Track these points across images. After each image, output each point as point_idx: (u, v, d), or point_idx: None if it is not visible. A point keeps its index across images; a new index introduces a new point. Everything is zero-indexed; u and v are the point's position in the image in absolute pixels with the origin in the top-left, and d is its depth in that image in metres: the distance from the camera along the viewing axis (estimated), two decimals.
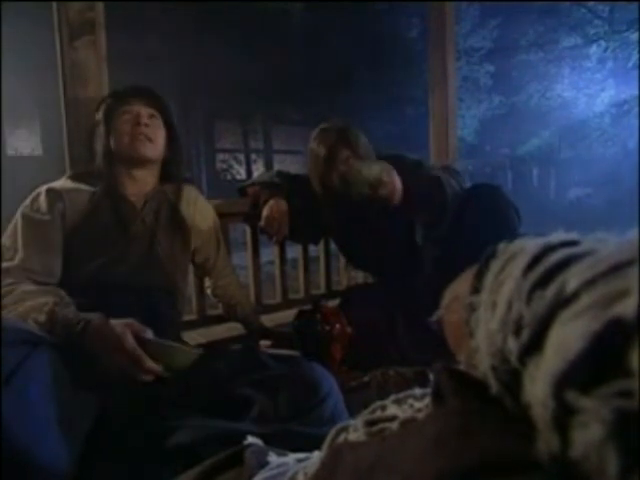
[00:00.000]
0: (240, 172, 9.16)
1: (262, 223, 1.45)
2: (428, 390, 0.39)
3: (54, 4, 1.32)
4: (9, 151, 6.51)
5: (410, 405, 0.35)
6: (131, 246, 1.04)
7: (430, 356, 1.31)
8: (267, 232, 1.48)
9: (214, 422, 0.74)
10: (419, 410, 0.31)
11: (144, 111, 1.09)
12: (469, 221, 1.49)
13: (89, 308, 0.86)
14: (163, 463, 0.67)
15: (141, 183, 1.11)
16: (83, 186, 1.06)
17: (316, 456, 0.49)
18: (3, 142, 6.27)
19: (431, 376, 0.98)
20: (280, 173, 1.62)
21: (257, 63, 6.85)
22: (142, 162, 1.09)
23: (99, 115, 1.12)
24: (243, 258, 1.87)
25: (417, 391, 0.37)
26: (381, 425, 0.30)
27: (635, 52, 7.98)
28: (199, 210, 1.24)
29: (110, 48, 1.42)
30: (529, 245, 0.23)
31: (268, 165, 9.65)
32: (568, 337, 0.16)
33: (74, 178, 1.10)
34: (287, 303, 1.90)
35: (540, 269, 0.20)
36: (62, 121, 1.37)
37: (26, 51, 5.02)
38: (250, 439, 0.51)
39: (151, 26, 5.61)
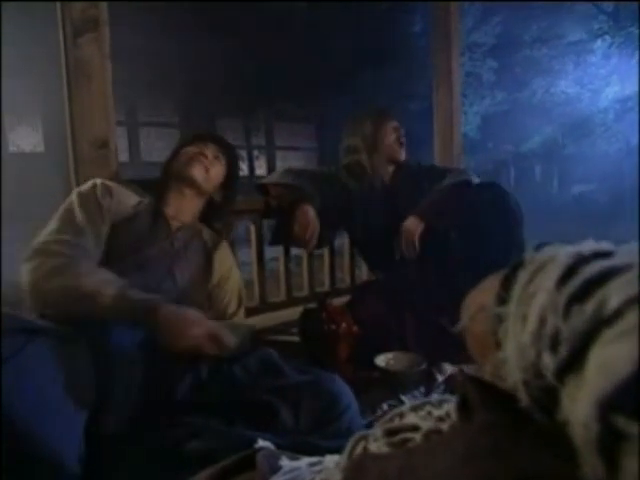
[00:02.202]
0: (242, 168, 9.14)
1: (296, 232, 1.41)
2: (446, 397, 0.38)
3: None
4: (10, 148, 6.50)
5: (428, 413, 0.34)
6: (153, 261, 1.07)
7: (437, 355, 1.32)
8: (299, 241, 1.44)
9: (233, 430, 0.73)
10: (440, 419, 0.31)
11: (211, 149, 1.20)
12: (474, 219, 1.50)
13: None
14: (180, 469, 0.67)
15: (181, 209, 1.18)
16: (131, 192, 1.13)
17: (328, 461, 0.49)
18: (4, 139, 6.27)
19: (438, 376, 0.97)
20: (301, 172, 1.61)
21: (259, 60, 6.82)
22: (191, 184, 1.16)
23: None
24: (246, 255, 1.86)
25: (434, 397, 0.37)
26: (402, 435, 0.29)
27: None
28: (226, 270, 1.27)
29: (112, 45, 1.41)
30: (560, 255, 0.23)
31: (270, 162, 9.62)
32: (613, 358, 0.16)
33: (125, 184, 1.16)
34: (291, 301, 1.90)
35: (576, 282, 0.19)
36: (65, 118, 1.36)
37: (29, 48, 5.01)
38: (261, 442, 0.51)
39: (153, 23, 5.59)
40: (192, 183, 1.17)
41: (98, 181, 1.11)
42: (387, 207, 1.66)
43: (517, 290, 0.23)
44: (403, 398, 1.14)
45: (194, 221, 1.23)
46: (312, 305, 1.39)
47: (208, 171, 1.18)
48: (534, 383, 0.20)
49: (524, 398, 0.21)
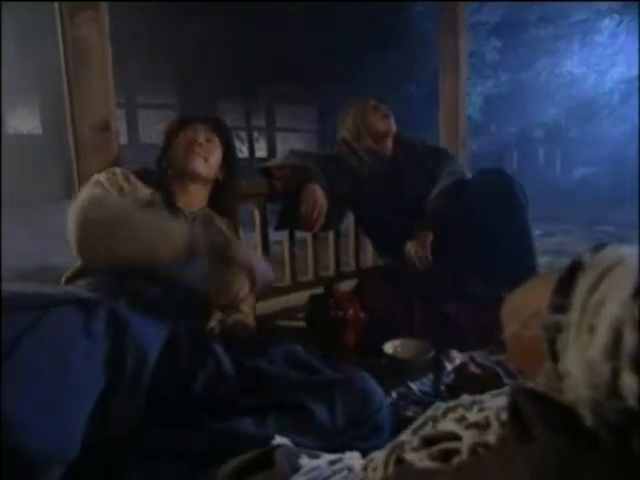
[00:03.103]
0: (242, 150, 9.05)
1: (303, 211, 1.39)
2: (477, 398, 0.37)
3: None
4: (9, 130, 6.42)
5: (462, 417, 0.33)
6: None
7: (444, 342, 1.31)
8: (306, 222, 1.41)
9: (264, 431, 0.69)
10: (479, 426, 0.29)
11: (201, 133, 1.19)
12: (479, 205, 1.49)
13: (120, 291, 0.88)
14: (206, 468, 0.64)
15: (191, 199, 1.18)
16: (142, 184, 1.13)
17: (348, 458, 0.47)
18: (3, 121, 6.18)
19: (447, 364, 0.95)
20: (305, 154, 1.59)
21: (260, 41, 6.67)
22: (194, 177, 1.16)
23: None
24: (250, 239, 1.84)
25: (465, 399, 0.35)
26: (443, 445, 0.28)
27: None
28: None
29: (111, 26, 1.36)
30: (627, 259, 0.20)
31: (271, 144, 9.53)
32: None
33: (140, 175, 1.17)
34: (296, 285, 1.89)
35: None
36: (64, 101, 1.32)
37: (25, 29, 4.89)
38: (278, 439, 0.49)
39: (152, 4, 5.44)
40: (195, 177, 1.17)
41: (117, 169, 1.12)
42: (393, 185, 1.65)
43: (579, 297, 0.21)
44: (411, 385, 1.14)
45: (205, 208, 1.23)
46: (319, 291, 1.38)
47: (207, 159, 1.18)
48: (607, 404, 0.18)
49: (590, 417, 0.19)
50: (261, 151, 9.49)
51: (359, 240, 2.04)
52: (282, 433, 0.70)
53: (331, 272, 2.01)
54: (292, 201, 1.48)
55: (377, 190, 1.65)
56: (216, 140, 1.22)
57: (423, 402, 1.06)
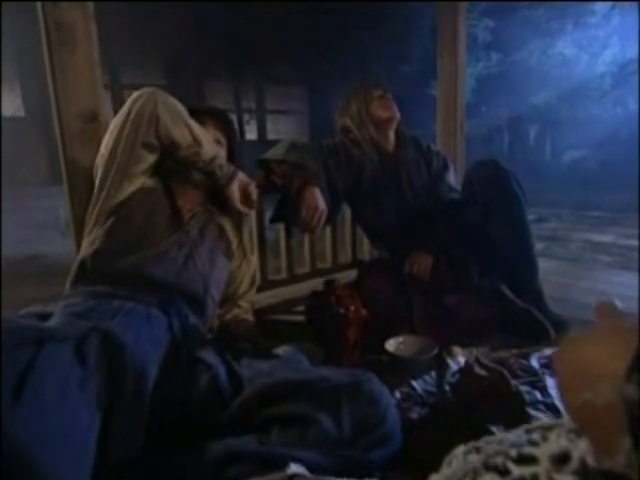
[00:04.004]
0: None
1: (303, 216, 1.34)
2: (522, 448, 0.34)
3: None
4: None
5: (506, 470, 0.30)
6: (172, 250, 1.06)
7: (446, 337, 1.30)
8: (306, 227, 1.37)
9: (269, 449, 0.66)
10: None
11: (212, 133, 1.18)
12: (476, 198, 1.47)
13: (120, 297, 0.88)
14: None
15: (191, 196, 1.16)
16: (151, 177, 1.12)
17: None
18: None
19: (450, 362, 0.92)
20: (305, 147, 1.54)
21: (250, 20, 6.47)
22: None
23: None
24: (245, 231, 1.80)
25: (511, 452, 0.32)
26: None
27: None
28: (245, 239, 1.31)
29: (95, 7, 1.28)
30: None
31: (261, 126, 9.36)
32: None
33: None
34: (293, 278, 1.86)
35: None
36: (46, 83, 1.24)
37: (6, 12, 4.67)
38: (294, 467, 0.46)
39: None
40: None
41: None
42: (393, 181, 1.61)
43: None
44: (415, 385, 1.12)
45: (205, 205, 1.20)
46: (319, 287, 1.34)
47: None
48: None
49: None
50: (251, 133, 9.32)
51: (356, 231, 2.01)
52: (287, 449, 0.67)
53: (328, 263, 1.98)
54: (290, 197, 1.43)
55: (377, 185, 1.61)
56: (223, 139, 1.21)
57: (427, 403, 1.04)
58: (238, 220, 1.31)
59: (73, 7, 1.20)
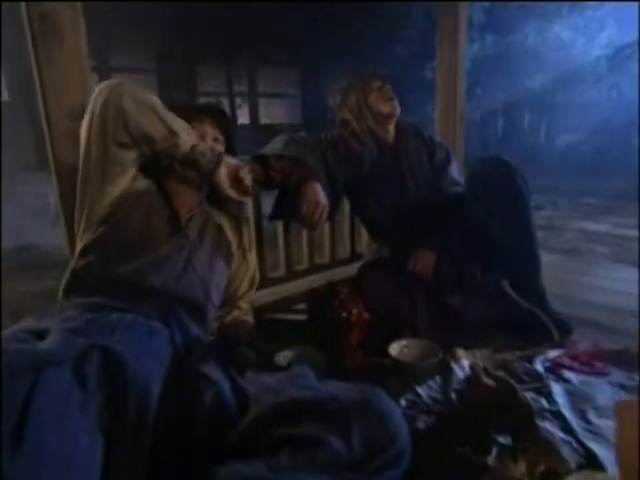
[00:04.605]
0: None
1: (304, 212, 1.29)
2: None
3: None
4: None
5: None
6: (171, 255, 1.02)
7: (449, 339, 1.28)
8: (308, 223, 1.32)
9: (280, 475, 0.63)
10: None
11: (210, 132, 1.13)
12: (480, 196, 1.45)
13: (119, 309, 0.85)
14: None
15: (188, 197, 1.11)
16: (144, 179, 1.07)
17: None
18: None
19: (455, 366, 0.90)
20: (304, 141, 1.49)
21: (242, 1, 6.27)
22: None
23: None
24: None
25: None
26: None
27: None
28: (244, 240, 1.26)
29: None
30: None
31: (253, 110, 9.19)
32: None
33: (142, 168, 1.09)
34: (292, 274, 1.83)
35: None
36: (34, 85, 1.17)
37: None
38: None
39: None
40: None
41: None
42: (394, 173, 1.58)
43: None
44: (420, 391, 1.10)
45: (203, 206, 1.16)
46: (320, 287, 1.32)
47: None
48: None
49: None
50: (243, 117, 9.16)
51: (355, 224, 1.98)
52: (298, 474, 0.65)
53: (327, 259, 1.95)
54: (289, 193, 1.39)
55: (377, 178, 1.57)
56: (221, 137, 1.16)
57: (433, 411, 1.03)
58: (237, 219, 1.27)
59: None
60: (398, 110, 1.53)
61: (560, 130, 10.77)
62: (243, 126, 8.92)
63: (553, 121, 10.96)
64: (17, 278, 2.67)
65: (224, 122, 1.19)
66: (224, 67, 8.31)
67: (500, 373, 1.14)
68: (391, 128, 1.55)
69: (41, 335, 0.75)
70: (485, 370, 1.05)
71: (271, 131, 8.99)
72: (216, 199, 1.19)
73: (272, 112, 9.57)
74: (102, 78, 6.85)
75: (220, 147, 1.15)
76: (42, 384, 0.59)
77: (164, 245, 1.02)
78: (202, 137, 1.10)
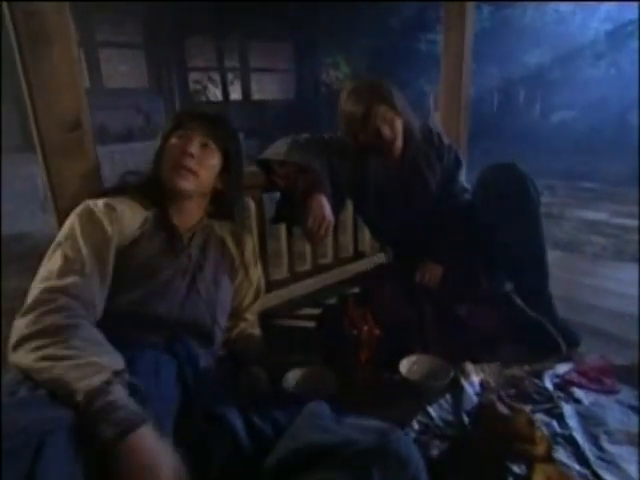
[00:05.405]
0: (216, 94, 8.46)
1: (309, 226, 1.24)
2: None
3: None
4: None
5: None
6: (174, 280, 0.98)
7: (458, 353, 1.27)
8: (312, 238, 1.27)
9: None
10: None
11: (196, 139, 1.02)
12: (490, 202, 1.41)
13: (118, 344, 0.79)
14: None
15: (187, 215, 1.06)
16: (138, 207, 1.00)
17: None
18: None
19: (465, 384, 0.87)
20: (308, 144, 1.42)
21: None
22: (182, 195, 1.03)
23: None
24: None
25: None
26: None
27: None
28: (248, 254, 1.20)
29: None
30: None
31: (245, 86, 8.94)
32: None
33: (131, 194, 1.02)
34: (295, 276, 1.79)
35: None
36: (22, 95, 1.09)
37: None
38: None
39: None
40: (183, 195, 1.03)
41: (100, 203, 0.95)
42: (400, 177, 1.53)
43: None
44: (431, 412, 1.09)
45: (203, 220, 1.10)
46: (332, 303, 1.29)
47: (197, 173, 1.01)
48: None
49: None
50: (235, 93, 8.91)
51: (357, 223, 1.94)
52: None
53: (329, 259, 1.92)
54: (292, 198, 1.34)
55: (382, 183, 1.52)
56: (213, 145, 1.05)
57: (446, 435, 1.02)
58: (239, 231, 1.22)
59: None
60: (399, 138, 1.45)
61: (556, 106, 10.65)
62: (235, 102, 8.69)
63: (549, 97, 10.83)
64: (9, 273, 2.61)
65: (220, 132, 1.07)
66: (215, 41, 8.01)
67: (512, 391, 1.14)
68: (398, 142, 1.47)
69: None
70: (500, 398, 1.04)
71: (264, 107, 8.79)
72: (215, 208, 1.14)
73: (265, 88, 9.32)
74: (88, 54, 6.57)
75: (213, 157, 1.05)
76: (47, 456, 0.56)
77: (166, 269, 0.97)
78: (186, 154, 1.00)
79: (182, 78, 7.81)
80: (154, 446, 0.64)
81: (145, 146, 6.48)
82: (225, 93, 8.57)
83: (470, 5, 2.08)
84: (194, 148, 1.01)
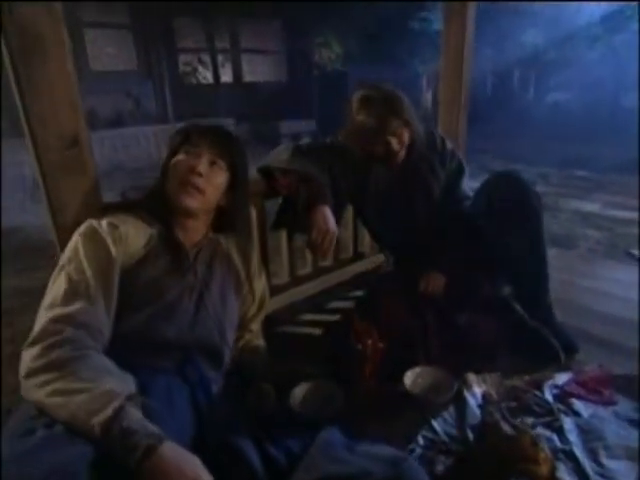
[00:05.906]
0: (207, 77, 8.26)
1: (313, 239, 1.22)
2: None
3: None
4: None
5: None
6: (181, 300, 0.97)
7: (460, 364, 1.29)
8: (317, 251, 1.25)
9: None
10: None
11: (205, 157, 1.01)
12: (492, 212, 1.41)
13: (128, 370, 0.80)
14: None
15: (192, 231, 1.05)
16: (142, 224, 0.98)
17: None
18: None
19: (468, 396, 0.89)
20: (309, 151, 1.39)
21: None
22: (188, 213, 1.01)
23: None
24: None
25: None
26: None
27: None
28: (253, 267, 1.20)
29: None
30: None
31: (236, 68, 8.73)
32: None
33: (135, 211, 1.00)
34: (295, 280, 1.79)
35: None
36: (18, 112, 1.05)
37: None
38: None
39: None
40: (189, 212, 1.01)
41: (103, 222, 0.92)
42: (402, 184, 1.52)
43: None
44: (436, 426, 1.11)
45: (208, 235, 1.09)
46: (337, 319, 1.29)
47: (204, 191, 1.00)
48: None
49: None
50: (226, 75, 8.71)
51: (357, 225, 1.93)
52: None
53: (329, 261, 1.92)
54: (294, 206, 1.33)
55: (384, 190, 1.51)
56: (222, 163, 1.03)
57: (451, 451, 1.04)
58: (245, 244, 1.21)
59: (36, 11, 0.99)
60: (403, 149, 1.43)
61: (551, 87, 10.60)
62: (226, 84, 8.50)
63: (544, 79, 10.76)
64: (4, 271, 2.57)
65: (228, 150, 1.05)
66: (204, 21, 7.78)
67: (513, 404, 1.16)
68: (401, 153, 1.45)
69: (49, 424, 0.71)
70: (504, 418, 1.06)
71: (255, 89, 8.61)
72: (219, 222, 1.12)
73: (256, 69, 9.12)
74: (73, 35, 6.35)
75: (220, 175, 1.03)
76: None
77: (173, 288, 0.96)
78: (194, 172, 0.98)
79: (172, 60, 7.61)
80: (176, 460, 0.67)
81: (135, 131, 6.36)
82: (216, 75, 8.37)
83: (471, 5, 2.03)
84: (203, 167, 0.99)
